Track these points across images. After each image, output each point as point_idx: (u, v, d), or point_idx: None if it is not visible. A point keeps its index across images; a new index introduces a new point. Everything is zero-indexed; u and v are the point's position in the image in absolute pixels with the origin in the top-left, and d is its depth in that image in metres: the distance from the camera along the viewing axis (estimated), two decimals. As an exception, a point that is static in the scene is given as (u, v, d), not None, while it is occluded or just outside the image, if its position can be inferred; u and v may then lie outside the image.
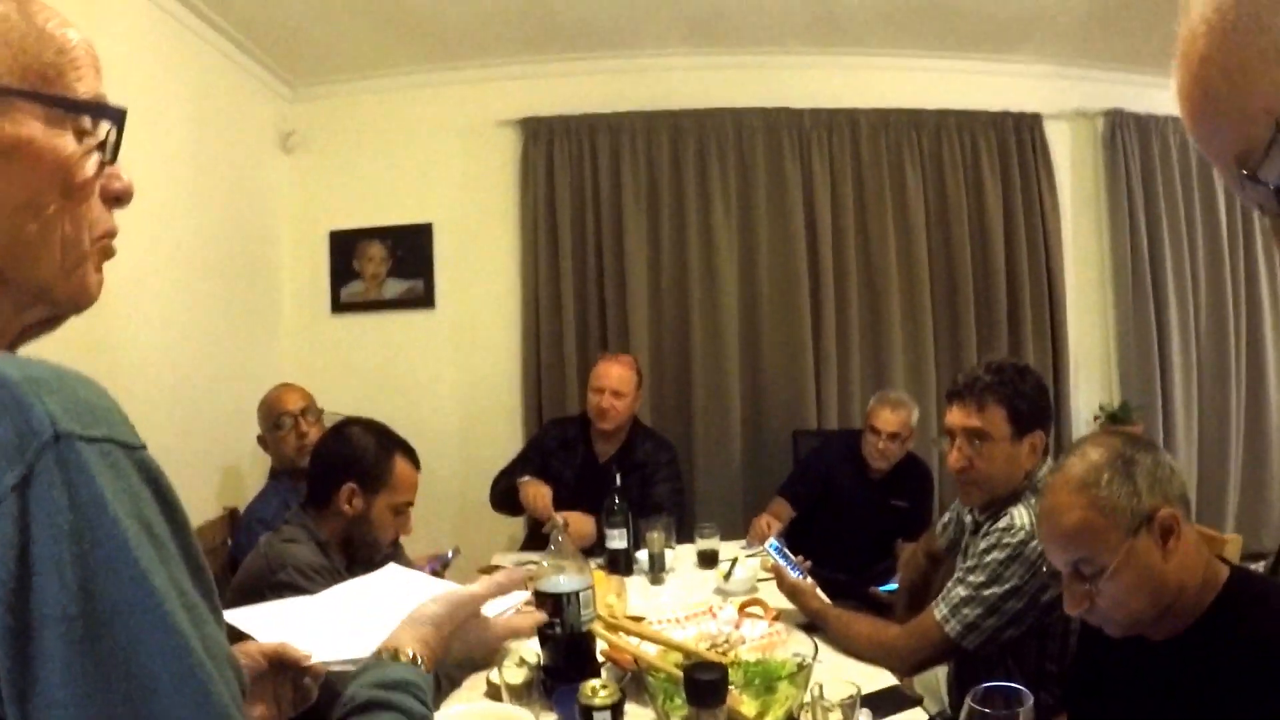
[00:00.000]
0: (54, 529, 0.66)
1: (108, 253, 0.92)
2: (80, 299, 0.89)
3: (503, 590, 1.44)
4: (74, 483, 0.67)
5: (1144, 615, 1.72)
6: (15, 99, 0.82)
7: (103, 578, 0.67)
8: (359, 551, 2.66)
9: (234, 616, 1.47)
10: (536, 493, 3.78)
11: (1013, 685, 1.46)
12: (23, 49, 0.83)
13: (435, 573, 3.25)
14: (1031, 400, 2.57)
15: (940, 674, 2.98)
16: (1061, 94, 5.61)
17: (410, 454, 2.79)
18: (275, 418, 3.97)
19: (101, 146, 0.89)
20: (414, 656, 1.23)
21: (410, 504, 2.75)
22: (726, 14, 4.85)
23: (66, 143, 0.85)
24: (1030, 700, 1.44)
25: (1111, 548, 1.69)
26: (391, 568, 1.89)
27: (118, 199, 0.93)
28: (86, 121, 0.87)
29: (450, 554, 3.48)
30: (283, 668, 1.35)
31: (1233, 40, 0.71)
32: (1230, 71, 0.72)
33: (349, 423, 2.81)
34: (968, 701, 1.46)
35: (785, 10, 4.83)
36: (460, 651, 1.38)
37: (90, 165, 0.87)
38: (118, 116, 0.90)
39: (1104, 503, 1.71)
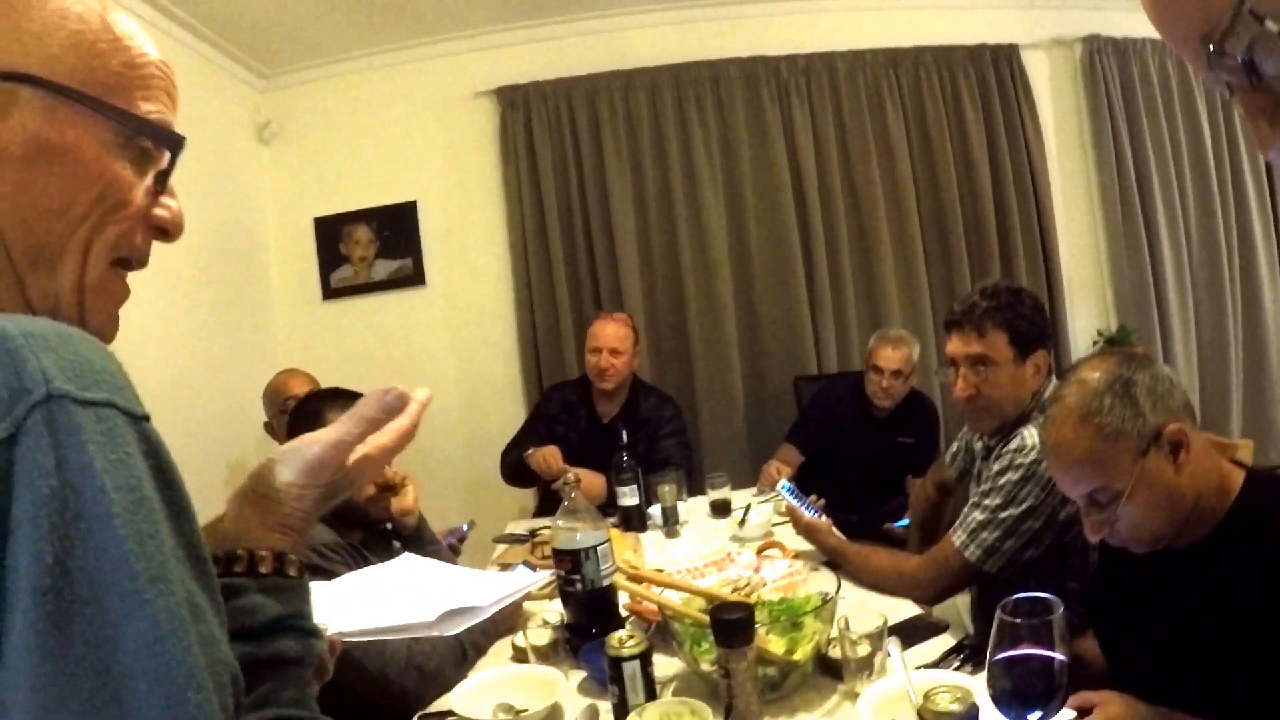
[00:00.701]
0: (35, 492, 0.60)
1: (125, 287, 0.87)
2: (90, 326, 0.82)
3: (373, 425, 0.98)
4: (63, 445, 0.62)
5: (1165, 531, 1.72)
6: (73, 102, 0.78)
7: (82, 553, 0.61)
8: (361, 523, 2.62)
9: None
10: (545, 454, 3.79)
11: (1043, 595, 1.46)
12: (93, 54, 0.80)
13: (452, 546, 3.26)
14: (1030, 320, 2.56)
15: (961, 602, 2.98)
16: (1038, 23, 5.59)
17: (349, 399, 2.70)
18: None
19: (159, 176, 0.86)
20: (279, 557, 0.91)
21: None
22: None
23: (115, 157, 0.81)
24: (1060, 608, 1.44)
25: (1123, 472, 1.69)
26: (407, 557, 1.88)
27: (164, 230, 0.88)
28: (147, 142, 0.84)
29: (465, 527, 3.48)
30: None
31: None
32: None
33: (309, 397, 2.79)
34: (999, 614, 1.45)
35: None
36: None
37: (142, 189, 0.84)
38: (175, 144, 0.87)
39: (1109, 429, 1.70)
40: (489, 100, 5.35)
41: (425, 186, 5.40)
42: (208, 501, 3.45)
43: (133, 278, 0.89)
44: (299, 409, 2.76)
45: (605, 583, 2.23)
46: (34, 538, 0.60)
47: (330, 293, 5.42)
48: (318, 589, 0.99)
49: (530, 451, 3.85)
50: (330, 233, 5.41)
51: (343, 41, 5.17)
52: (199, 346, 4.34)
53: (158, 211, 0.87)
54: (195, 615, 0.66)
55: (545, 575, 1.62)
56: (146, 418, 0.69)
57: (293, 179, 5.41)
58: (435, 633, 1.21)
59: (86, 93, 0.79)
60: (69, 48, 0.79)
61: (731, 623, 1.63)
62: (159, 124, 0.85)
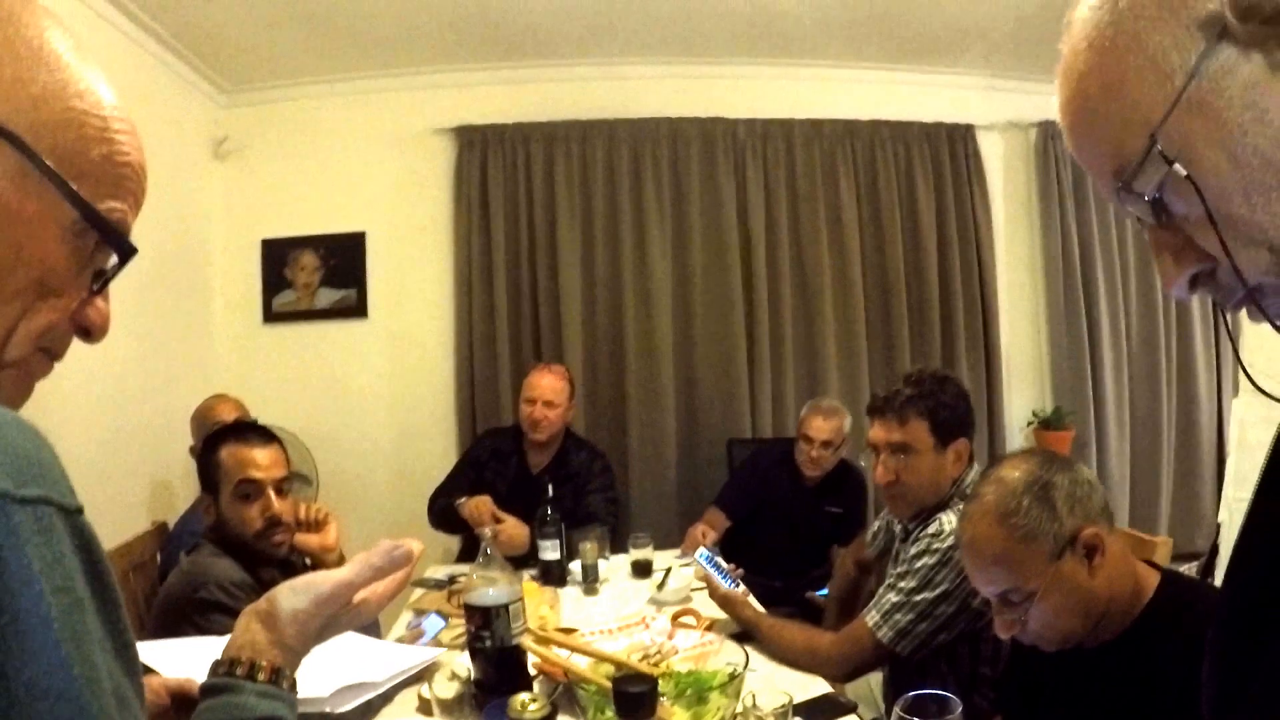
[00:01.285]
0: None
1: (47, 368, 0.85)
2: (6, 401, 0.81)
3: (379, 574, 1.17)
4: (2, 548, 0.60)
5: (1076, 632, 1.74)
6: (38, 172, 0.76)
7: (19, 659, 0.59)
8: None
9: (141, 650, 1.32)
10: (477, 504, 3.74)
11: (942, 693, 1.46)
12: (80, 135, 0.79)
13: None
14: (953, 409, 2.59)
15: (874, 680, 2.99)
16: (994, 105, 5.68)
17: (240, 434, 2.68)
18: (208, 428, 3.91)
19: (99, 274, 0.84)
20: (275, 670, 1.04)
21: (250, 480, 2.58)
22: (661, 23, 4.85)
23: (65, 244, 0.79)
24: (959, 708, 1.44)
25: (1036, 574, 1.70)
26: None
27: (87, 332, 0.86)
28: (93, 239, 0.81)
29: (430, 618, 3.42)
30: (185, 704, 1.27)
31: (1112, 57, 0.75)
32: (1109, 86, 0.76)
33: (214, 434, 2.75)
34: (896, 709, 1.46)
35: (720, 19, 4.83)
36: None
37: (81, 284, 0.82)
38: (126, 253, 0.85)
39: (1024, 530, 1.71)
40: (446, 138, 5.35)
41: (375, 218, 5.38)
42: (133, 514, 3.39)
43: None
44: (206, 444, 2.73)
45: (514, 641, 2.21)
46: None
47: (272, 316, 5.37)
48: (214, 643, 1.09)
49: (462, 501, 3.81)
50: (277, 256, 5.37)
51: (307, 65, 5.15)
52: (135, 357, 4.27)
53: (87, 310, 0.84)
54: (123, 707, 0.65)
55: (431, 631, 1.61)
56: (79, 510, 0.67)
57: (244, 198, 5.37)
58: (328, 709, 1.23)
59: (61, 173, 0.77)
60: (60, 122, 0.77)
61: (633, 695, 1.62)
62: (120, 228, 0.84)
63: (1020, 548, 1.71)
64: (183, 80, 4.89)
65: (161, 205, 4.48)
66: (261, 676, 1.00)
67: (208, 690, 1.00)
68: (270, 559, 2.58)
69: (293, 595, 1.09)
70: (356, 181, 5.38)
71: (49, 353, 0.83)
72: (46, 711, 0.60)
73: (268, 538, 2.57)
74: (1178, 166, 0.73)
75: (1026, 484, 1.75)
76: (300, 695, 1.19)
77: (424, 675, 2.31)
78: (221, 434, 2.69)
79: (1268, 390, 0.87)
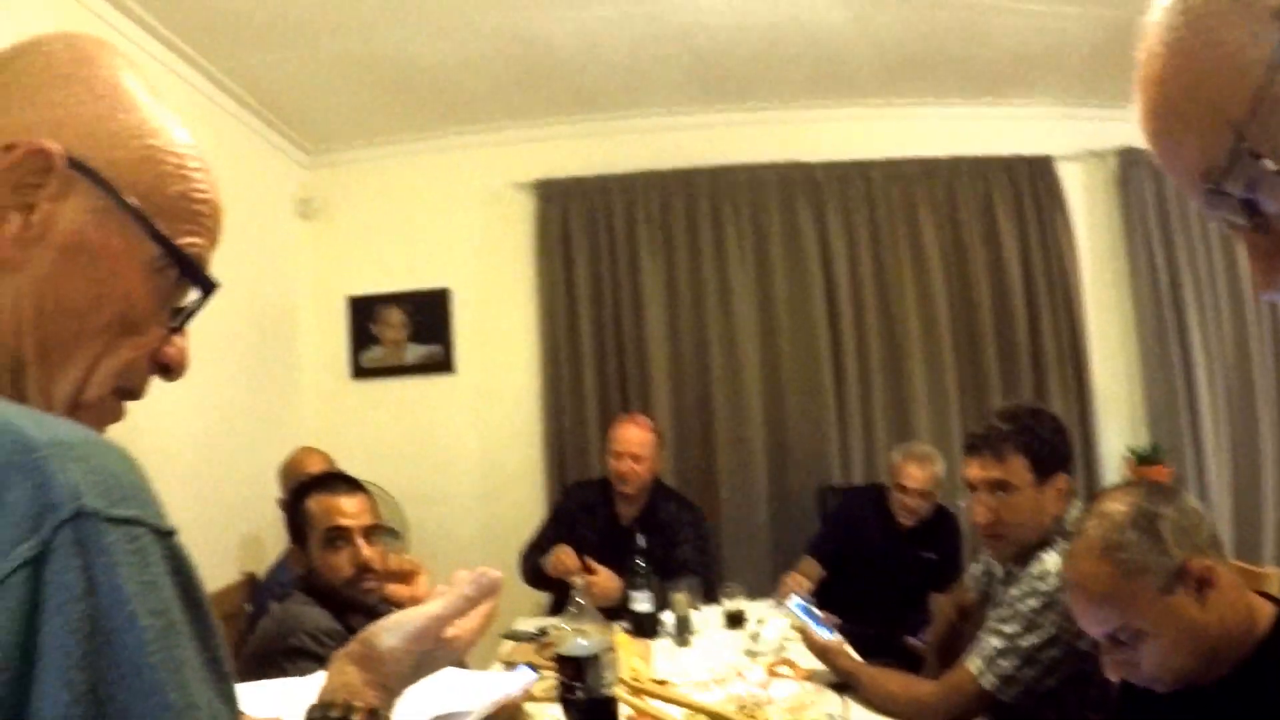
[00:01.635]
0: (65, 618, 0.57)
1: (120, 413, 0.85)
2: None
3: (469, 604, 1.13)
4: (93, 568, 0.59)
5: (1189, 670, 1.66)
6: (125, 213, 0.78)
7: (113, 682, 0.58)
8: (364, 608, 2.56)
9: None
10: (558, 556, 3.74)
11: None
12: (158, 173, 0.80)
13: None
14: (1050, 443, 2.51)
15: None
16: (1072, 135, 5.58)
17: (327, 483, 2.70)
18: (296, 481, 3.96)
19: (177, 311, 0.85)
20: (371, 711, 1.02)
21: (338, 528, 2.58)
22: (734, 71, 4.86)
23: (148, 282, 0.80)
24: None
25: (1146, 610, 1.63)
26: None
27: (166, 369, 0.86)
28: (174, 274, 0.82)
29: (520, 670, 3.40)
30: None
31: (1188, 57, 0.72)
32: (1189, 87, 0.73)
33: (301, 486, 2.76)
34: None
35: (791, 65, 4.83)
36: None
37: (161, 322, 0.83)
38: (208, 288, 0.86)
39: (1132, 565, 1.64)
40: (527, 192, 5.40)
41: (459, 274, 5.44)
42: (223, 567, 3.44)
43: None
44: (294, 495, 2.75)
45: (606, 692, 2.18)
46: (65, 665, 0.57)
47: (360, 372, 5.44)
48: (308, 683, 1.06)
49: (550, 553, 3.80)
50: (363, 313, 5.45)
51: (387, 125, 5.25)
52: (224, 414, 4.36)
53: (167, 349, 0.85)
54: None
55: (536, 677, 1.58)
56: (173, 533, 0.66)
57: (330, 256, 5.47)
58: None
59: (141, 209, 0.78)
60: (139, 159, 0.79)
61: (731, 751, 1.58)
62: (199, 263, 0.85)
63: (1128, 584, 1.64)
64: (267, 143, 5.01)
65: (249, 264, 4.63)
66: (357, 718, 0.99)
67: None
68: (360, 607, 2.58)
69: (386, 634, 1.07)
70: (440, 238, 5.44)
71: (127, 392, 0.84)
72: None
73: (357, 585, 2.55)
74: (1266, 161, 0.69)
75: (1132, 517, 1.69)
76: None
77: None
78: (309, 484, 2.71)
79: None
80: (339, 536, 2.56)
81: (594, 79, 4.86)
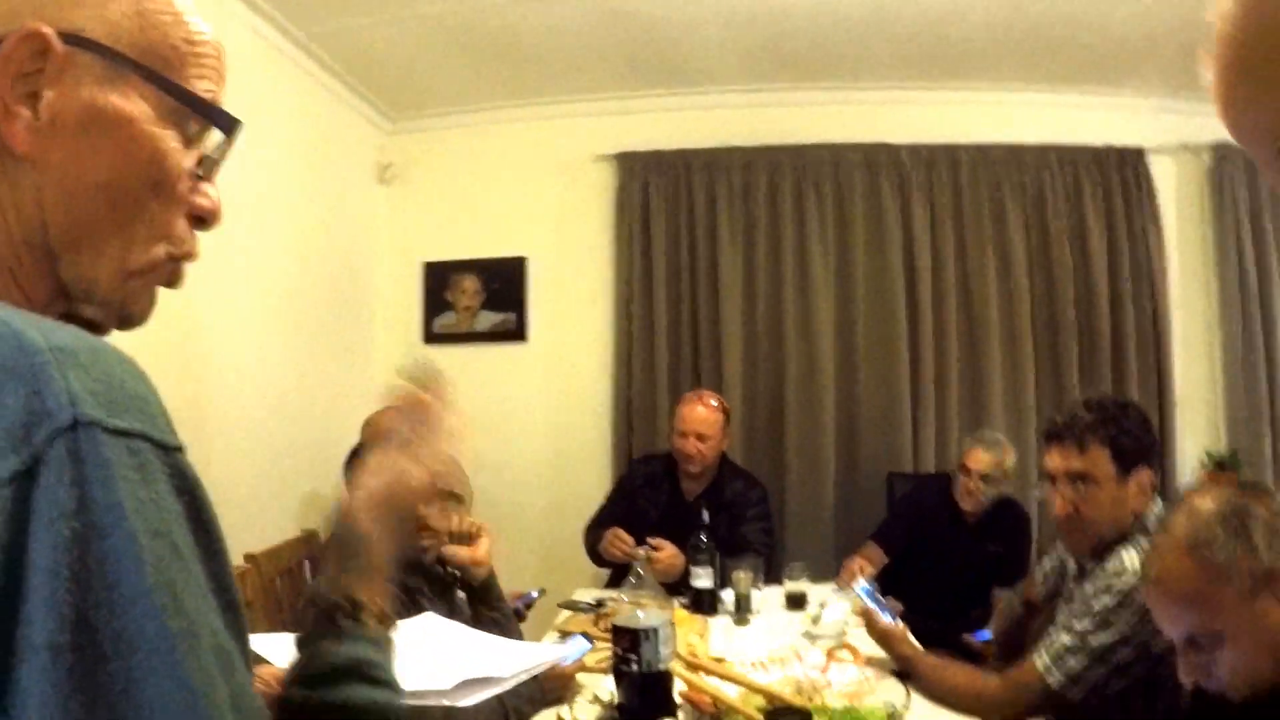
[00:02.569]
0: (55, 535, 0.54)
1: (175, 277, 0.82)
2: (130, 311, 0.80)
3: (404, 437, 1.04)
4: (88, 481, 0.55)
5: (1267, 679, 1.59)
6: (131, 72, 0.75)
7: (106, 605, 0.54)
8: (417, 569, 2.56)
9: (257, 642, 1.16)
10: (612, 537, 3.74)
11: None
12: (154, 25, 0.77)
13: (518, 611, 3.20)
14: (1135, 436, 2.44)
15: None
16: (1166, 127, 5.43)
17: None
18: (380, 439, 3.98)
19: (202, 161, 0.82)
20: (353, 605, 0.91)
21: None
22: (824, 47, 4.80)
23: (169, 137, 0.77)
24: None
25: (1228, 614, 1.57)
26: (427, 617, 1.82)
27: (201, 219, 0.83)
28: (194, 124, 0.80)
29: (535, 594, 3.42)
30: None
31: (1264, 11, 0.67)
32: (1263, 44, 0.68)
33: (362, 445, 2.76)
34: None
35: (885, 42, 4.76)
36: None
37: (188, 174, 0.80)
38: (230, 126, 0.83)
39: (1218, 565, 1.58)
40: (607, 165, 5.38)
41: (536, 243, 5.44)
42: (284, 523, 3.49)
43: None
44: (355, 452, 2.75)
45: (662, 666, 2.16)
46: (52, 588, 0.53)
47: (431, 337, 5.47)
48: None
49: (604, 536, 3.81)
50: (438, 278, 5.48)
51: (470, 93, 5.25)
52: (297, 371, 4.41)
53: (198, 200, 0.82)
54: (225, 667, 0.60)
55: (576, 649, 1.55)
56: (180, 449, 0.62)
57: (407, 222, 5.50)
58: (448, 702, 1.16)
59: (147, 66, 0.76)
60: (132, 15, 0.76)
61: (786, 729, 1.55)
62: (217, 106, 0.82)
63: (1211, 584, 1.58)
64: (349, 107, 5.03)
65: (327, 226, 4.67)
66: (342, 617, 0.90)
67: (298, 645, 0.91)
68: (416, 565, 2.58)
69: (355, 521, 0.97)
70: (518, 206, 5.44)
71: (175, 256, 0.81)
72: (137, 667, 0.55)
73: (413, 543, 2.56)
74: None
75: (1222, 514, 1.62)
76: (421, 688, 1.14)
77: (565, 698, 2.28)
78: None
79: None
80: None
81: (685, 53, 4.82)
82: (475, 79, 5.06)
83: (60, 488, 0.54)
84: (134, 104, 0.75)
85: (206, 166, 0.83)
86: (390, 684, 0.88)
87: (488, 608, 2.51)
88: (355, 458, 2.68)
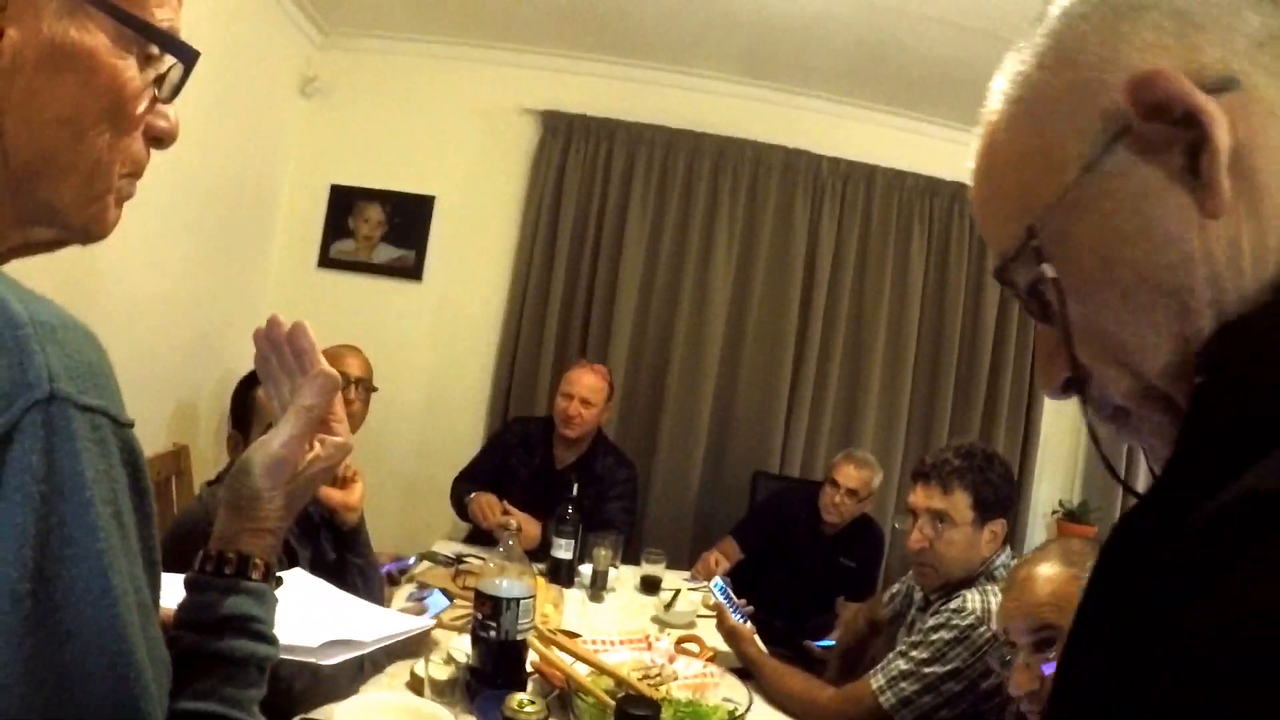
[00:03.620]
0: (25, 495, 0.60)
1: (130, 191, 0.86)
2: (94, 230, 0.83)
3: (316, 413, 1.02)
4: (57, 450, 0.62)
5: None
6: (88, 5, 0.76)
7: (62, 560, 0.62)
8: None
9: None
10: (483, 503, 3.73)
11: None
12: None
13: (390, 575, 3.17)
14: (997, 488, 2.58)
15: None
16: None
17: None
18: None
19: (159, 81, 0.83)
20: (242, 559, 0.94)
21: None
22: (766, 47, 4.82)
23: (128, 66, 0.79)
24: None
25: None
26: (296, 572, 1.83)
27: (159, 139, 0.86)
28: (153, 49, 0.81)
29: (412, 561, 3.39)
30: None
31: (1011, 135, 0.72)
32: (1004, 166, 0.73)
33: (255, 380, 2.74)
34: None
35: (825, 55, 4.79)
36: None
37: (146, 97, 0.82)
38: (190, 57, 0.85)
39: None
40: (531, 119, 5.33)
41: (447, 185, 5.37)
42: (154, 434, 3.41)
43: (142, 186, 0.88)
44: (245, 382, 2.71)
45: (520, 637, 2.18)
46: (19, 542, 0.60)
47: (327, 261, 5.36)
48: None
49: (473, 496, 3.80)
50: (343, 203, 5.37)
51: (409, 20, 5.15)
52: (186, 275, 4.29)
53: (156, 120, 0.85)
54: (145, 620, 0.68)
55: (447, 605, 1.55)
56: (130, 424, 0.70)
57: (322, 140, 5.37)
58: (313, 660, 1.18)
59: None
60: None
61: (637, 718, 1.59)
62: (174, 35, 0.83)
63: (1079, 593, 1.68)
64: (281, 12, 4.88)
65: (241, 133, 4.54)
66: (228, 569, 0.93)
67: (187, 587, 0.95)
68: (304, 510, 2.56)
69: (248, 477, 0.98)
70: (436, 144, 5.36)
71: (131, 174, 0.85)
72: (82, 617, 0.62)
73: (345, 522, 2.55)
74: (1046, 267, 0.68)
75: (1094, 549, 1.74)
76: (288, 643, 1.16)
77: (419, 651, 2.29)
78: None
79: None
80: None
81: (630, 23, 4.79)
82: (417, 6, 4.96)
83: (33, 454, 0.61)
84: (92, 36, 0.76)
85: (165, 89, 0.85)
86: (270, 639, 0.93)
87: (354, 554, 2.50)
88: (248, 388, 2.64)
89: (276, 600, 0.97)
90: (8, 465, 0.60)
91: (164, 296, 4.08)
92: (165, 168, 3.77)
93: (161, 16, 0.82)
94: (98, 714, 0.63)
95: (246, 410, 2.64)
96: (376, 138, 5.37)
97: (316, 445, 1.03)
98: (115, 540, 0.65)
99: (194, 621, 0.89)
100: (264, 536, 0.96)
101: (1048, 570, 1.75)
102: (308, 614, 1.22)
